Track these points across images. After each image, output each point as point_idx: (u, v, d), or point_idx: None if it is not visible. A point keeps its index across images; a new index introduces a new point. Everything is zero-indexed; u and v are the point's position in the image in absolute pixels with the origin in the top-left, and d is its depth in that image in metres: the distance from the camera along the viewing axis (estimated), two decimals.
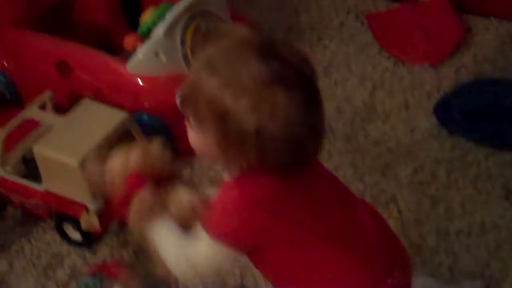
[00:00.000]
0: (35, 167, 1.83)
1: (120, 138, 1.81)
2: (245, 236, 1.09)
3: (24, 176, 1.89)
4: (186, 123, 1.10)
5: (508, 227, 1.80)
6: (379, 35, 2.44)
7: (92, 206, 1.76)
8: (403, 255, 1.24)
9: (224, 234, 1.09)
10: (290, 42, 1.07)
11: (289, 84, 1.00)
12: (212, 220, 1.10)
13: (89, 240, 1.84)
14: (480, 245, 1.76)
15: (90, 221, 1.77)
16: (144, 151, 1.23)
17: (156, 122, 2.02)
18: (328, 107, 2.21)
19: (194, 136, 1.09)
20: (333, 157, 2.06)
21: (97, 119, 1.84)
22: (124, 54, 2.07)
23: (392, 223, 1.79)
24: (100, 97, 2.00)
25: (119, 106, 1.93)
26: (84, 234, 1.82)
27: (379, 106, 2.22)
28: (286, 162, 1.05)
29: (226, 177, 1.13)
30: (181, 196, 1.22)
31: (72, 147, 1.75)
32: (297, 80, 1.02)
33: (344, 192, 1.22)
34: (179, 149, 1.74)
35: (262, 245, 1.11)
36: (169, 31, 1.98)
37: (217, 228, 1.09)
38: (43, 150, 1.77)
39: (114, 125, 1.82)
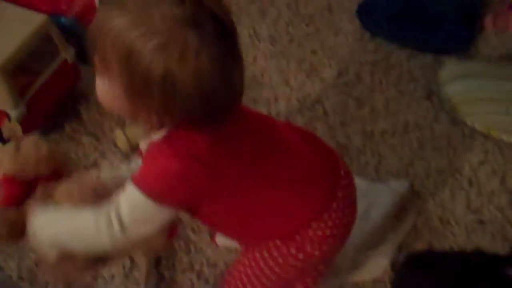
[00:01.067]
0: None
1: (39, 42, 1.73)
2: (182, 194, 1.04)
3: None
4: (96, 72, 1.00)
5: (430, 126, 1.86)
6: None
7: (13, 113, 1.69)
8: (345, 174, 1.21)
9: (161, 194, 1.03)
10: None
11: (204, 29, 0.91)
12: (146, 182, 1.03)
13: None
14: (404, 144, 1.82)
15: (12, 128, 1.71)
16: (14, 152, 1.14)
17: (75, 25, 1.93)
18: (252, 9, 2.20)
19: (101, 86, 1.00)
20: (258, 61, 2.05)
21: (14, 22, 1.74)
22: None
23: (319, 125, 1.84)
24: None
25: (34, 9, 1.83)
26: (6, 142, 1.75)
27: (302, 9, 2.20)
28: (196, 114, 0.96)
29: (152, 138, 1.05)
30: (68, 188, 1.14)
31: None
32: (214, 27, 0.92)
33: (275, 129, 1.17)
34: None
35: (200, 200, 1.07)
36: None
37: (152, 188, 1.02)
38: None
39: (34, 28, 1.73)
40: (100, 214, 1.06)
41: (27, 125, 1.73)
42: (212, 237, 1.62)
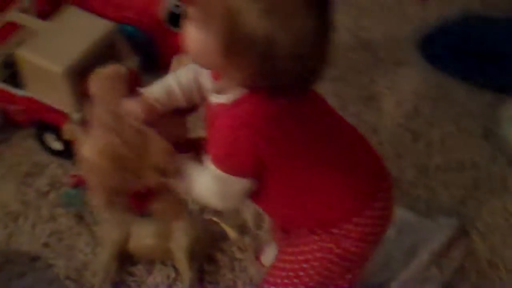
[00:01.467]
0: (17, 73, 1.78)
1: (105, 49, 1.77)
2: (248, 162, 1.07)
3: (5, 81, 1.84)
4: (187, 21, 1.01)
5: (486, 166, 1.83)
6: None
7: (75, 116, 1.73)
8: (387, 177, 1.25)
9: (228, 162, 1.07)
10: None
11: (312, 2, 0.95)
12: (214, 149, 1.08)
13: (70, 150, 1.82)
14: (457, 182, 1.80)
15: (72, 130, 1.74)
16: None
17: (139, 34, 1.97)
18: None
19: (195, 36, 1.00)
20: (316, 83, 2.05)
21: (83, 27, 1.79)
22: None
23: None
24: (82, 5, 1.94)
25: (102, 16, 1.87)
26: (66, 143, 1.79)
27: (364, 34, 2.20)
28: (288, 81, 0.99)
29: (222, 98, 1.08)
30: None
31: (57, 54, 1.70)
32: (319, 2, 0.97)
33: (336, 118, 1.20)
34: (161, 64, 1.71)
35: (261, 172, 1.10)
36: None
37: (220, 156, 1.07)
38: (27, 55, 1.72)
39: (100, 34, 1.77)
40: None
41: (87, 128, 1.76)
42: (257, 257, 1.63)
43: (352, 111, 1.97)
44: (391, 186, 1.25)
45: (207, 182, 1.10)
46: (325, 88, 1.98)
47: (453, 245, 1.65)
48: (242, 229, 1.70)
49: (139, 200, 1.19)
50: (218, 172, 1.07)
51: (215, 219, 1.67)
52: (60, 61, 1.68)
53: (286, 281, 1.25)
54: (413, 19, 2.24)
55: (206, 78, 1.15)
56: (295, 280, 1.24)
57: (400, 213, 1.69)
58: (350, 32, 2.22)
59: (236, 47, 0.96)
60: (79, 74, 1.71)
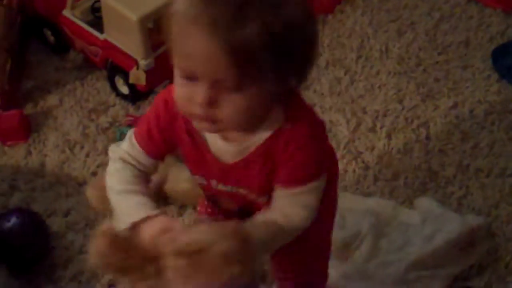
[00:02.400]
0: (101, 18, 1.95)
1: None
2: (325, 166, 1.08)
3: (90, 24, 2.01)
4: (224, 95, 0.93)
5: None
6: None
7: (142, 62, 1.87)
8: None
9: (322, 167, 1.06)
10: None
11: None
12: (308, 167, 1.04)
13: (135, 95, 1.97)
14: (495, 186, 1.81)
15: (138, 76, 1.89)
16: None
17: None
18: (391, 27, 2.27)
19: (238, 105, 0.94)
20: (380, 75, 2.11)
21: None
22: None
23: (416, 147, 1.88)
24: None
25: None
26: (131, 88, 1.94)
27: (440, 37, 2.24)
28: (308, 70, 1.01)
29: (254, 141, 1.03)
30: None
31: (136, 4, 1.85)
32: None
33: None
34: None
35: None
36: None
37: (319, 163, 1.06)
38: (109, 1, 1.87)
39: None
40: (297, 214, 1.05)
41: (152, 77, 1.91)
42: None
43: (407, 105, 2.02)
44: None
45: (310, 203, 1.06)
46: (387, 80, 2.08)
47: (476, 242, 1.67)
48: None
49: None
50: (317, 183, 1.05)
51: None
52: (137, 10, 1.83)
53: None
54: (492, 29, 2.25)
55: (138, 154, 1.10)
56: None
57: (428, 204, 1.74)
58: (427, 34, 2.25)
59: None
60: (152, 25, 1.87)
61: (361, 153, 1.90)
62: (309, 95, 2.03)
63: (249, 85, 0.91)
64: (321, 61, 2.14)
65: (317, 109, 1.99)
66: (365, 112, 2.01)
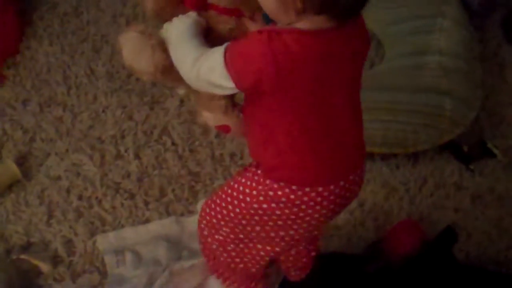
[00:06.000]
0: None
1: None
2: (248, 77, 1.10)
3: None
4: None
5: None
6: None
7: None
8: (362, 163, 1.29)
9: (235, 65, 1.10)
10: None
11: None
12: (234, 48, 1.11)
13: None
14: None
15: None
16: None
17: None
18: (85, 47, 2.18)
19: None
20: (99, 99, 2.03)
21: None
22: None
23: (168, 155, 1.87)
24: None
25: None
26: None
27: None
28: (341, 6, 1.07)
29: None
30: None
31: None
32: None
33: (357, 82, 1.22)
34: None
35: (260, 93, 1.12)
36: None
37: (233, 57, 1.11)
38: None
39: None
40: (196, 53, 1.15)
41: None
42: None
43: (139, 118, 1.98)
44: (362, 172, 1.28)
45: (208, 56, 1.13)
46: (108, 102, 2.00)
47: None
48: (54, 260, 1.65)
49: None
50: (221, 58, 1.11)
51: (23, 256, 1.60)
52: None
53: (220, 205, 1.33)
54: None
55: None
56: (229, 207, 1.31)
57: None
58: None
59: None
60: None
61: (119, 183, 1.82)
62: (37, 146, 1.88)
63: None
64: (33, 105, 2.00)
65: (52, 158, 1.86)
66: (102, 142, 1.92)
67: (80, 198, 1.78)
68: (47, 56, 2.15)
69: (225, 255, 1.44)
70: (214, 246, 1.43)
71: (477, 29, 2.23)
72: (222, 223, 1.36)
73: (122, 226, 1.73)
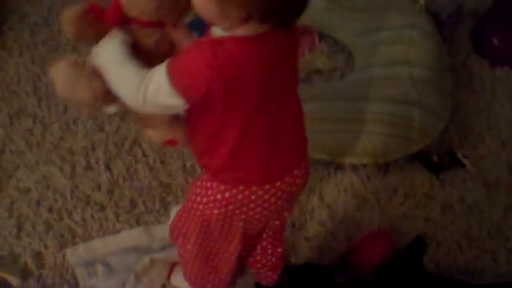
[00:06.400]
0: None
1: None
2: (198, 90, 1.09)
3: None
4: None
5: None
6: None
7: None
8: (305, 156, 1.31)
9: (183, 81, 1.09)
10: None
11: None
12: (177, 65, 1.10)
13: None
14: None
15: None
16: None
17: None
18: (54, 58, 2.16)
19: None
20: (69, 110, 2.02)
21: None
22: None
23: (139, 167, 1.86)
24: None
25: None
26: None
27: None
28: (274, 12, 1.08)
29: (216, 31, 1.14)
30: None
31: None
32: None
33: (295, 77, 1.23)
34: None
35: (206, 101, 1.11)
36: None
37: (179, 73, 1.09)
38: None
39: None
40: (138, 78, 1.12)
41: None
42: (168, 276, 1.65)
43: (110, 130, 1.97)
44: (302, 174, 1.30)
45: (152, 78, 1.11)
46: (79, 113, 1.99)
47: None
48: (23, 273, 1.63)
49: None
50: (166, 77, 1.09)
51: None
52: None
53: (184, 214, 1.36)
54: None
55: None
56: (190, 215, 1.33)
57: None
58: None
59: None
60: None
61: (89, 195, 1.81)
62: (6, 158, 1.87)
63: None
64: (2, 117, 1.98)
65: (22, 170, 1.85)
66: (73, 153, 1.91)
67: (50, 210, 1.77)
68: (17, 67, 2.14)
69: (196, 263, 1.45)
70: (187, 255, 1.44)
71: (446, 40, 2.25)
72: (189, 233, 1.37)
73: (93, 239, 1.72)
